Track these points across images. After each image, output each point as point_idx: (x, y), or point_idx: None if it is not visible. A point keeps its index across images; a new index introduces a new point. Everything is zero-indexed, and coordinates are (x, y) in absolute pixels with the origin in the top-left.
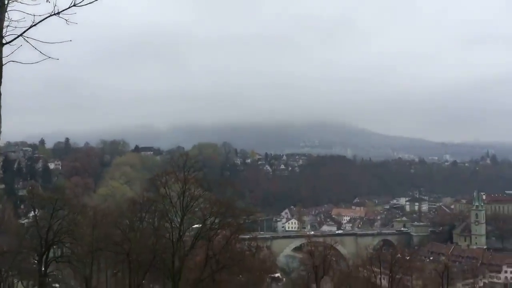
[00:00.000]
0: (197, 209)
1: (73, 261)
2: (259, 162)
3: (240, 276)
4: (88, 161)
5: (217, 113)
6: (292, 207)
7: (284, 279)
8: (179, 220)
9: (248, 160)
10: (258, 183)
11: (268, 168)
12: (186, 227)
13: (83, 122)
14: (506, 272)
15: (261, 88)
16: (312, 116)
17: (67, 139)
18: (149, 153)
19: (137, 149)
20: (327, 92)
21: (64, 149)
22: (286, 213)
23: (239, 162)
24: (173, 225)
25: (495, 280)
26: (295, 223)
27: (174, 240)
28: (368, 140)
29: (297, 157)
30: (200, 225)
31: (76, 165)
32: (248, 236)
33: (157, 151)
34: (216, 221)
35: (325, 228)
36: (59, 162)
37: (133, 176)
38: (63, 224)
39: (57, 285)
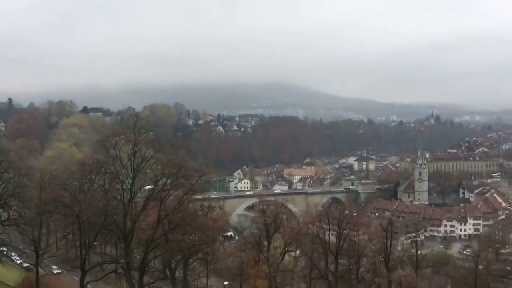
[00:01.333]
0: (148, 171)
1: (21, 224)
2: (212, 123)
3: (193, 235)
4: (34, 123)
5: (169, 73)
6: (244, 167)
7: (236, 237)
8: (130, 181)
9: (201, 121)
10: (210, 144)
11: (221, 129)
12: (137, 188)
13: (27, 82)
14: (445, 226)
15: (214, 49)
16: (265, 77)
17: (9, 100)
18: (98, 114)
19: (85, 110)
20: (280, 53)
21: (7, 109)
22: (238, 173)
23: (191, 123)
24: (124, 187)
25: (435, 233)
26: (247, 183)
27: (125, 201)
28: (320, 101)
29: (249, 118)
30: (152, 186)
31: (20, 127)
32: (201, 197)
33: (107, 112)
34: (168, 182)
35: (276, 187)
36: (2, 124)
37: (82, 137)
38: (8, 187)
39: (4, 248)
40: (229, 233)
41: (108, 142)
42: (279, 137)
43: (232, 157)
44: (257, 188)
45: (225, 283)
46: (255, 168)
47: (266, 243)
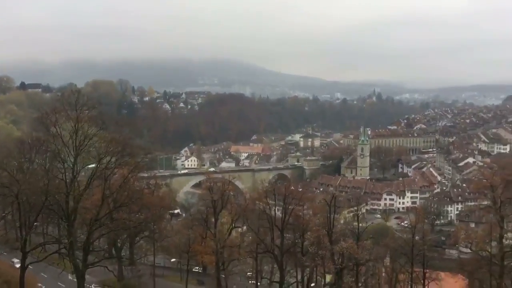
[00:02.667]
0: (91, 149)
1: None
2: (158, 100)
3: (139, 213)
4: None
5: (113, 49)
6: (191, 145)
7: (183, 214)
8: (72, 160)
9: (146, 98)
10: (156, 121)
11: (167, 106)
12: (80, 167)
13: None
14: (385, 199)
15: (160, 26)
16: (212, 53)
17: None
18: (37, 90)
19: (23, 86)
20: (227, 31)
21: None
22: (185, 151)
23: (136, 100)
24: (66, 166)
25: (376, 206)
26: (194, 160)
27: (67, 180)
28: (266, 79)
29: (196, 95)
30: (96, 165)
31: None
32: (147, 175)
33: (46, 88)
34: (113, 160)
35: (224, 164)
36: None
37: (20, 115)
38: None
39: None
40: (176, 211)
41: (48, 119)
42: (226, 114)
43: (179, 134)
44: (204, 165)
45: (172, 260)
46: (202, 146)
47: (213, 219)
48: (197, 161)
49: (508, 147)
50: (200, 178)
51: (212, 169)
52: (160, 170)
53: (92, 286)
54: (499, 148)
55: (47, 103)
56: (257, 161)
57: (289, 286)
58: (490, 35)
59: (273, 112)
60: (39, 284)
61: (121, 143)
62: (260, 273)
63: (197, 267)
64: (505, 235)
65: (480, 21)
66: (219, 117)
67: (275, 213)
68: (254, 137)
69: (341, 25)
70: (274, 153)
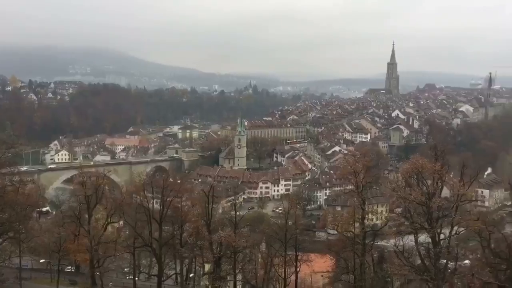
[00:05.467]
0: None
1: None
2: (22, 90)
3: (2, 213)
4: None
5: None
6: (62, 138)
7: (54, 212)
8: None
9: (8, 88)
10: (21, 113)
11: (33, 96)
12: None
13: None
14: (261, 188)
15: (20, 6)
16: (84, 42)
17: None
18: None
19: None
20: (101, 18)
21: None
22: (55, 144)
23: None
24: None
25: (252, 195)
26: (65, 154)
27: None
28: (143, 69)
29: (66, 85)
30: None
31: None
32: (10, 171)
33: None
34: None
35: (98, 158)
36: None
37: None
38: None
39: None
40: (45, 209)
41: None
42: (100, 105)
43: (48, 127)
44: (76, 159)
45: (41, 260)
46: (74, 139)
47: (87, 216)
48: (69, 155)
49: (368, 136)
50: (72, 172)
51: (85, 163)
52: (26, 166)
53: None
54: (361, 137)
55: None
56: (134, 154)
57: (168, 278)
58: (354, 33)
59: (150, 103)
60: None
61: None
62: (138, 267)
63: (70, 267)
64: (366, 216)
65: (344, 20)
66: (93, 109)
67: (153, 206)
68: (130, 129)
69: (218, 18)
70: (152, 145)
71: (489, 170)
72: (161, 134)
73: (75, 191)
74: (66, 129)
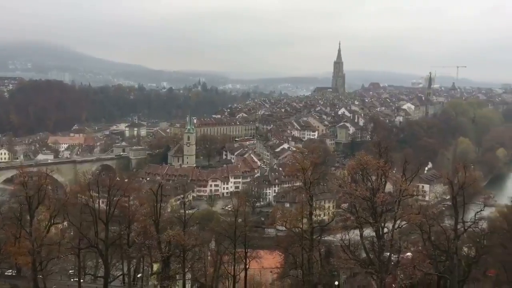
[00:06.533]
0: None
1: None
2: None
3: None
4: None
5: None
6: (1, 136)
7: None
8: None
9: None
10: None
11: None
12: None
13: None
14: (211, 185)
15: None
16: (24, 35)
17: None
18: None
19: None
20: (43, 11)
21: None
22: None
23: None
24: None
25: (202, 193)
26: (5, 153)
27: None
28: (88, 65)
29: (6, 81)
30: None
31: None
32: None
33: None
34: None
35: (40, 157)
36: None
37: None
38: None
39: None
40: None
41: None
42: (42, 102)
43: None
44: (17, 158)
45: None
46: (14, 137)
47: (28, 217)
48: (9, 154)
49: (316, 133)
50: (13, 172)
51: (26, 162)
52: None
53: None
54: (309, 135)
55: None
56: (79, 152)
57: (114, 279)
58: (302, 32)
59: (96, 100)
60: None
61: None
62: (83, 269)
63: (11, 270)
64: (313, 212)
65: (292, 19)
66: (35, 106)
67: (99, 206)
68: (75, 127)
69: (167, 13)
70: (98, 144)
71: (430, 165)
72: (107, 132)
73: (16, 191)
74: (5, 127)
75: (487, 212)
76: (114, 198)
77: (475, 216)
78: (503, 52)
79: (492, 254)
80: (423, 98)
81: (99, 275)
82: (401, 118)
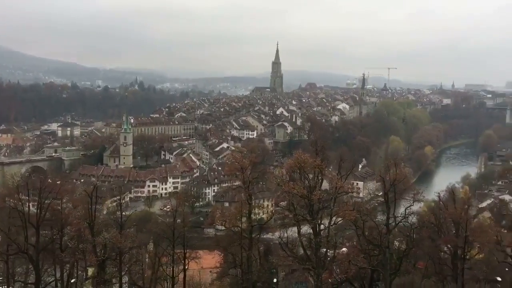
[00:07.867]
0: None
1: None
2: None
3: None
4: None
5: None
6: None
7: None
8: None
9: None
10: None
11: None
12: None
13: None
14: (149, 186)
15: None
16: None
17: None
18: None
19: None
20: None
21: None
22: None
23: None
24: None
25: (139, 194)
26: None
27: None
28: (16, 62)
29: None
30: None
31: None
32: None
33: None
34: None
35: None
36: None
37: None
38: None
39: None
40: None
41: None
42: None
43: None
44: None
45: None
46: None
47: None
48: None
49: (255, 132)
50: None
51: None
52: None
53: None
54: (248, 134)
55: None
56: (6, 154)
57: (46, 286)
58: (240, 32)
59: (25, 99)
60: None
61: None
62: (12, 276)
63: None
64: (252, 211)
65: (230, 18)
66: None
67: (29, 210)
68: (2, 126)
69: (103, 11)
70: (28, 144)
71: (364, 162)
72: (38, 132)
73: None
74: None
75: (416, 207)
76: (46, 201)
77: (405, 211)
78: (430, 53)
79: (421, 247)
80: (357, 98)
81: (29, 281)
82: (336, 118)
